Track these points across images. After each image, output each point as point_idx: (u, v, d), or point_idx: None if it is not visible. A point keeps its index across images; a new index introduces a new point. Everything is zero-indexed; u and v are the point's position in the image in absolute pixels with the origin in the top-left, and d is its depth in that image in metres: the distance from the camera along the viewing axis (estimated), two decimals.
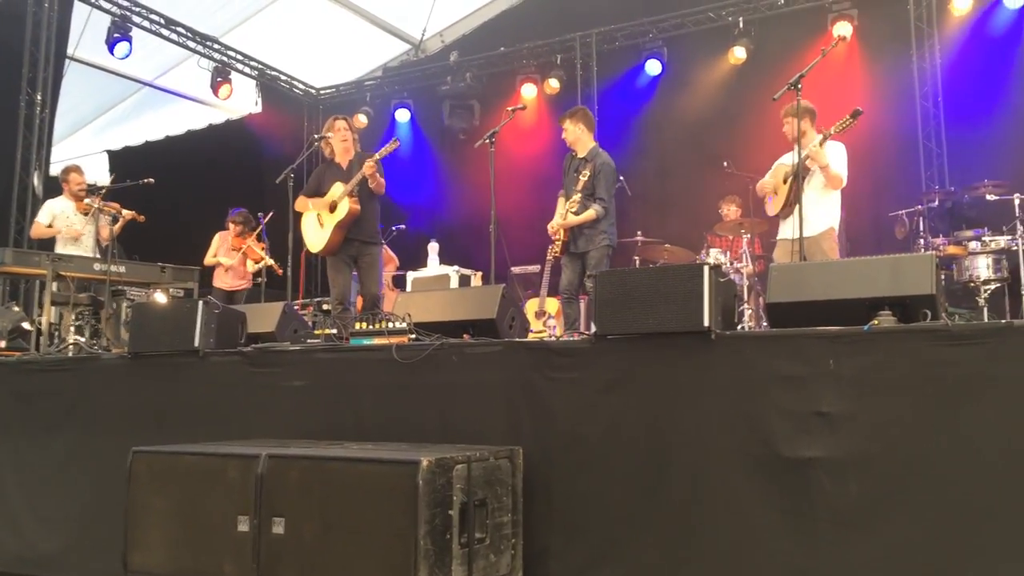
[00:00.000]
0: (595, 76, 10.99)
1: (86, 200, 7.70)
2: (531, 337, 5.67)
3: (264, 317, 5.07)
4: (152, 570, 3.75)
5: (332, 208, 6.29)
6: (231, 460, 3.65)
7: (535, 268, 8.63)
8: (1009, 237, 6.95)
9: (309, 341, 4.73)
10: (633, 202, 8.76)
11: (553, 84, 11.07)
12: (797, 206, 5.52)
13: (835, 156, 6.10)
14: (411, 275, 9.42)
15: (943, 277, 4.28)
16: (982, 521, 2.96)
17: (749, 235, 7.97)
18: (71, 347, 6.10)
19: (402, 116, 12.26)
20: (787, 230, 6.13)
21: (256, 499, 3.49)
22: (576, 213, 6.37)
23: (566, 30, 11.19)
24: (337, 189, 6.30)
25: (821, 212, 6.20)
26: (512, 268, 8.69)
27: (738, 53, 9.96)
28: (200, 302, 4.76)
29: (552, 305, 7.52)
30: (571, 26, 11.18)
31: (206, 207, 10.37)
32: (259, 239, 9.14)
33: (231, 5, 11.02)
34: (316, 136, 6.94)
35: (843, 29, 9.21)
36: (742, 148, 8.73)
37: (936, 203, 8.00)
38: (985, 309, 6.89)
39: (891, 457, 3.11)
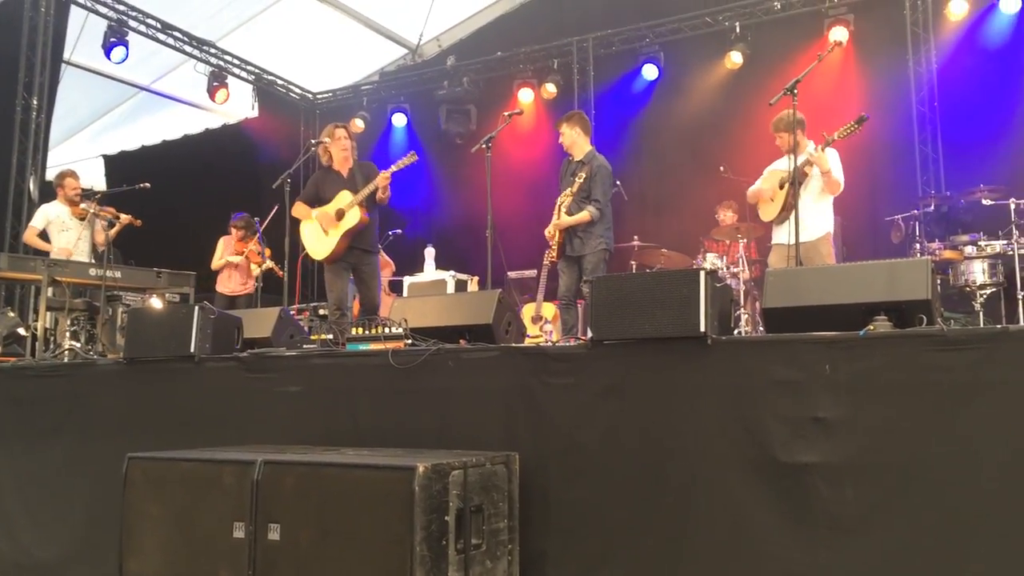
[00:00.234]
0: (592, 81, 11.01)
1: (81, 205, 7.68)
2: (528, 342, 5.65)
3: (260, 322, 5.06)
4: None
5: (339, 216, 6.28)
6: (227, 466, 3.64)
7: (532, 273, 8.63)
8: (1005, 242, 6.97)
9: (305, 346, 4.72)
10: (630, 207, 8.76)
11: (550, 89, 11.09)
12: (791, 211, 5.54)
13: (835, 162, 6.13)
14: (407, 280, 9.41)
15: (939, 282, 4.29)
16: (979, 525, 2.96)
17: (745, 240, 7.97)
18: (67, 353, 6.09)
19: (399, 121, 12.28)
20: (783, 235, 6.15)
21: (252, 505, 3.47)
22: (570, 213, 6.37)
23: (563, 35, 11.21)
24: (344, 197, 6.29)
25: (819, 217, 6.22)
26: (509, 273, 8.68)
27: (734, 58, 9.98)
28: (196, 307, 4.75)
29: (549, 310, 7.52)
30: (568, 31, 11.21)
31: (203, 212, 10.38)
32: (259, 242, 9.16)
33: (228, 10, 11.02)
34: (313, 141, 6.94)
35: (839, 34, 9.24)
36: (738, 153, 8.75)
37: (932, 208, 8.01)
38: (981, 314, 6.91)
39: (888, 462, 3.10)
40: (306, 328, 6.64)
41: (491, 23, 12.28)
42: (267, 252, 9.13)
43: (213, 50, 11.43)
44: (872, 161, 8.75)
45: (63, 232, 7.71)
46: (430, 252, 9.82)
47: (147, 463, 3.89)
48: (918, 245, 7.59)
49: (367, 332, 4.41)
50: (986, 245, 7.02)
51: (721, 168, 8.36)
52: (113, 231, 7.55)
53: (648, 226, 9.43)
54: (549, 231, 6.47)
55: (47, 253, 7.67)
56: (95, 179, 10.71)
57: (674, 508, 3.44)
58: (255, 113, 12.35)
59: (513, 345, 4.17)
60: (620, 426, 3.59)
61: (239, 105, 12.12)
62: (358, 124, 11.80)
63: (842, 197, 6.38)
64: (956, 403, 3.03)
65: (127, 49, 9.95)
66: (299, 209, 6.48)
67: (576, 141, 6.62)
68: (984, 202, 7.35)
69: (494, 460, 3.54)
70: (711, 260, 8.00)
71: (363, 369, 4.26)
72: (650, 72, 10.56)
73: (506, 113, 6.67)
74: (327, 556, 3.31)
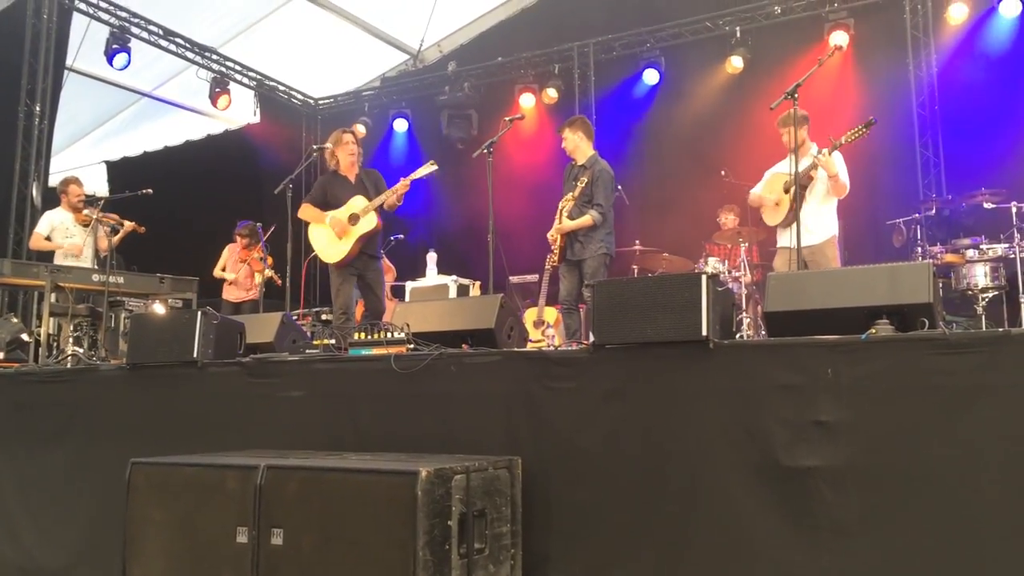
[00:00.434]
0: (593, 86, 11.03)
1: (84, 211, 7.70)
2: (529, 347, 5.67)
3: (263, 327, 5.07)
4: None
5: (353, 220, 6.30)
6: (230, 471, 3.64)
7: (533, 277, 8.64)
8: (1006, 245, 6.97)
9: (308, 351, 4.72)
10: (631, 211, 8.77)
11: (551, 94, 11.11)
12: (800, 214, 5.56)
13: (842, 165, 6.15)
14: (409, 285, 9.42)
15: (941, 285, 4.29)
16: (981, 529, 2.95)
17: (747, 244, 7.99)
18: (70, 358, 6.10)
19: (400, 126, 12.30)
20: (788, 238, 6.15)
21: (255, 510, 3.48)
22: (572, 217, 6.39)
23: (564, 40, 11.23)
24: (359, 202, 6.32)
25: (824, 220, 6.24)
26: (510, 277, 8.69)
27: (735, 62, 10.00)
28: (199, 313, 4.75)
29: (551, 314, 7.53)
30: (569, 36, 11.22)
31: (205, 218, 10.41)
32: (263, 250, 9.18)
33: (229, 16, 11.05)
34: (315, 146, 6.96)
35: (839, 38, 9.25)
36: (740, 157, 8.76)
37: (933, 211, 8.03)
38: (983, 317, 6.91)
39: (890, 466, 3.10)
40: (308, 333, 6.65)
41: (492, 28, 12.29)
42: (269, 260, 9.14)
43: (215, 56, 11.45)
44: (873, 165, 8.75)
45: (67, 239, 7.75)
46: (432, 257, 9.83)
47: (150, 468, 3.90)
48: (920, 249, 7.59)
49: (369, 337, 4.42)
50: (988, 248, 7.02)
51: (722, 172, 8.37)
52: (117, 238, 7.57)
53: (650, 230, 9.44)
54: (551, 235, 6.48)
55: (52, 256, 7.71)
56: (97, 185, 10.73)
57: (676, 512, 3.44)
58: (257, 119, 12.37)
59: (515, 350, 4.18)
60: (622, 430, 3.59)
61: (241, 111, 12.15)
62: (360, 129, 11.80)
63: (843, 201, 6.39)
64: (958, 407, 3.03)
65: (129, 55, 9.97)
66: (308, 211, 6.45)
67: (579, 146, 6.63)
68: (985, 205, 7.36)
69: (497, 464, 3.54)
70: (713, 264, 8.01)
71: (365, 374, 4.26)
72: (651, 77, 10.57)
73: (507, 118, 6.68)
74: (330, 561, 3.32)
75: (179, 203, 9.82)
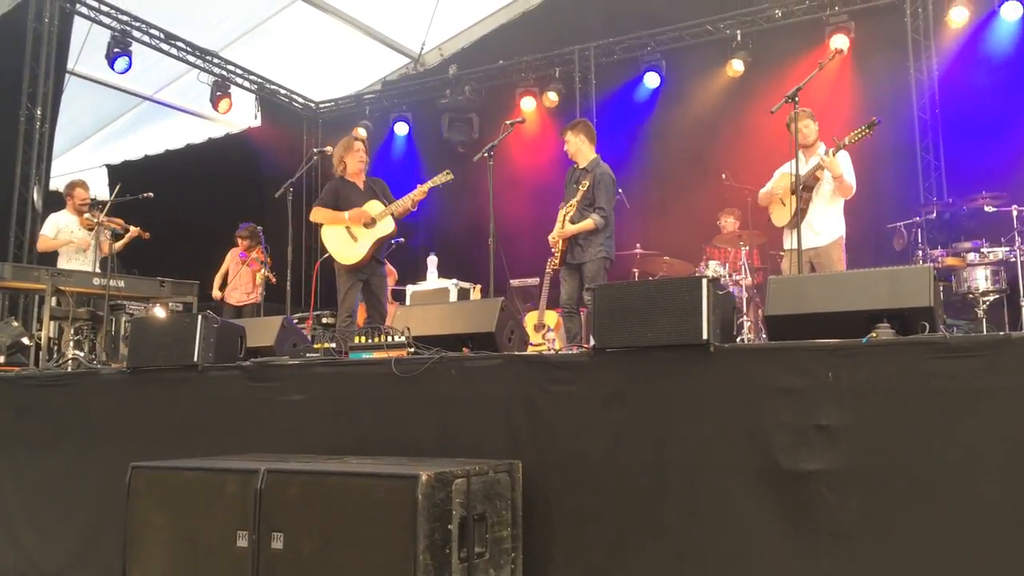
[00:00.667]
0: (594, 89, 11.03)
1: (85, 215, 7.71)
2: (530, 350, 5.67)
3: (263, 331, 5.07)
4: None
5: (369, 224, 6.35)
6: (230, 475, 3.64)
7: (534, 281, 8.64)
8: (1007, 248, 6.97)
9: (308, 355, 4.72)
10: (632, 214, 8.77)
11: (552, 97, 11.11)
12: (805, 215, 5.56)
13: (847, 165, 6.14)
14: (410, 288, 9.42)
15: (941, 289, 4.28)
16: (983, 532, 2.95)
17: (748, 247, 7.98)
18: (70, 362, 6.10)
19: (401, 129, 12.30)
20: (794, 240, 6.15)
21: (255, 514, 3.48)
22: (573, 221, 6.39)
23: (565, 43, 11.23)
24: (375, 207, 6.39)
25: (830, 221, 6.24)
26: (511, 281, 8.68)
27: (736, 66, 10.00)
28: (199, 316, 4.75)
29: (551, 318, 7.52)
30: (570, 39, 11.23)
31: (206, 221, 10.41)
32: (263, 251, 9.18)
33: (230, 20, 11.06)
34: (316, 150, 6.97)
35: (840, 41, 9.25)
36: (740, 160, 8.76)
37: (934, 215, 8.02)
38: (984, 321, 6.90)
39: (891, 469, 3.10)
40: (309, 337, 6.65)
41: (493, 32, 12.30)
42: (268, 261, 9.14)
43: (216, 60, 11.46)
44: (874, 168, 8.74)
45: (78, 238, 7.76)
46: (432, 261, 9.83)
47: (150, 472, 3.90)
48: (920, 252, 7.58)
49: (370, 341, 4.42)
50: (989, 252, 7.02)
51: (723, 175, 8.37)
52: (121, 243, 7.61)
53: (650, 234, 9.45)
54: (553, 237, 6.48)
55: (54, 259, 7.71)
56: (98, 189, 10.72)
57: (677, 516, 3.43)
58: (258, 122, 12.38)
59: (516, 353, 4.17)
60: (623, 434, 3.59)
61: (242, 114, 12.16)
62: (360, 133, 11.80)
63: (844, 204, 6.38)
64: (959, 410, 3.03)
65: (130, 59, 9.98)
66: (323, 213, 6.47)
67: (580, 149, 6.64)
68: (986, 209, 7.36)
69: (497, 468, 3.54)
70: (713, 267, 8.00)
71: (366, 378, 4.26)
72: (652, 80, 10.57)
73: (508, 122, 6.68)
74: (330, 565, 3.31)
75: (180, 206, 9.81)
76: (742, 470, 3.34)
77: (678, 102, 10.56)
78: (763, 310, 4.11)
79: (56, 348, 6.89)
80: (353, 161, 6.59)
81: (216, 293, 9.32)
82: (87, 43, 9.98)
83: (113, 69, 9.98)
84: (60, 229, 7.82)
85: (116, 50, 9.87)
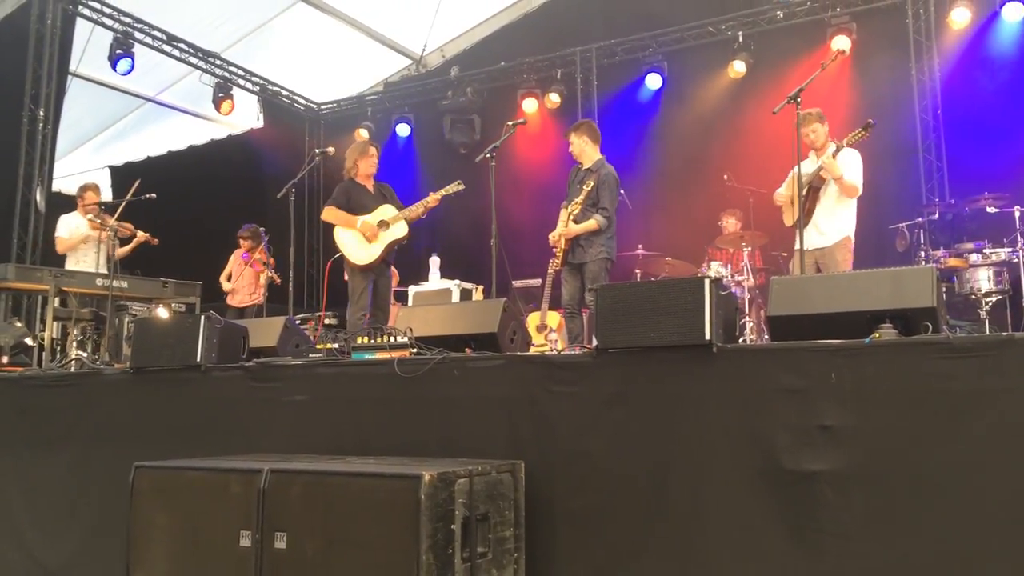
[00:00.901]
0: (596, 90, 11.03)
1: (89, 216, 7.72)
2: (532, 351, 5.67)
3: (266, 332, 5.08)
4: None
5: (383, 226, 6.56)
6: (233, 475, 3.65)
7: (536, 282, 8.63)
8: (1010, 249, 6.96)
9: (311, 355, 4.73)
10: (634, 215, 8.76)
11: (554, 98, 11.10)
12: (812, 216, 5.56)
13: (851, 165, 6.14)
14: (412, 289, 9.42)
15: (944, 290, 4.28)
16: (986, 533, 2.95)
17: (750, 248, 7.98)
18: (73, 363, 6.11)
19: (403, 131, 12.30)
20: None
21: (258, 514, 3.48)
22: (577, 221, 6.40)
23: (566, 45, 11.23)
24: (388, 210, 6.62)
25: (836, 222, 6.23)
26: (513, 282, 8.68)
27: (738, 67, 9.99)
28: (202, 317, 4.76)
29: (553, 319, 7.52)
30: (571, 41, 11.22)
31: (208, 222, 10.42)
32: (265, 252, 9.20)
33: (233, 21, 11.07)
34: (318, 151, 7.01)
35: (842, 42, 9.24)
36: (742, 161, 8.77)
37: (936, 215, 8.01)
38: (987, 321, 6.90)
39: (894, 470, 3.10)
40: (312, 337, 6.66)
41: (494, 33, 12.31)
42: (271, 262, 9.15)
43: (218, 61, 11.47)
44: (876, 169, 8.69)
45: (90, 236, 7.78)
46: (435, 261, 9.83)
47: (154, 472, 3.90)
48: (923, 253, 7.58)
49: (372, 341, 4.42)
50: (991, 253, 7.01)
51: (725, 176, 8.37)
52: (129, 247, 7.62)
53: (652, 234, 9.44)
54: (554, 236, 6.48)
55: (61, 260, 7.72)
56: (101, 190, 10.73)
57: (680, 516, 3.44)
58: (260, 124, 12.39)
59: (518, 354, 4.18)
60: (625, 434, 3.59)
61: (244, 116, 12.17)
62: (362, 134, 11.82)
63: None
64: (962, 411, 3.03)
65: (133, 61, 9.99)
66: (335, 214, 6.62)
67: (584, 150, 6.66)
68: (989, 210, 7.35)
69: (500, 468, 3.55)
70: (715, 268, 8.01)
71: (369, 378, 4.27)
72: (654, 81, 10.57)
73: (510, 123, 6.67)
74: (333, 565, 3.32)
75: (183, 207, 9.81)
76: (745, 470, 3.34)
77: (680, 103, 10.56)
78: (765, 311, 4.10)
79: (59, 349, 6.90)
80: (366, 166, 6.80)
81: (226, 285, 9.34)
82: (90, 45, 9.99)
83: (115, 71, 9.99)
84: (72, 230, 7.86)
85: (118, 52, 9.88)
